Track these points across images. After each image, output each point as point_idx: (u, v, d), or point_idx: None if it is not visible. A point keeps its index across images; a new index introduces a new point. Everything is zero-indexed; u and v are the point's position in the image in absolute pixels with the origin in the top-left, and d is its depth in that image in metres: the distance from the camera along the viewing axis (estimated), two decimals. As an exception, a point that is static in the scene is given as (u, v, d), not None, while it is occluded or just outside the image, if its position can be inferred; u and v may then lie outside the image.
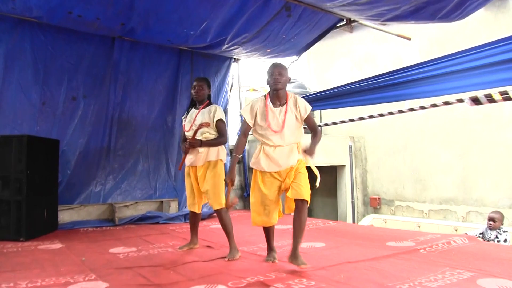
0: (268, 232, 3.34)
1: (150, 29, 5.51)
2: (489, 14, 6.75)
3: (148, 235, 4.72)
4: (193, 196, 3.78)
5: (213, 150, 3.66)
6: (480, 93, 4.36)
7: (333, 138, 8.25)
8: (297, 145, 3.22)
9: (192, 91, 3.82)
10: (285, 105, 3.15)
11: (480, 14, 6.31)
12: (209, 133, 3.67)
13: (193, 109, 3.87)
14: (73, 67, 5.62)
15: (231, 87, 7.21)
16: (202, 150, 3.64)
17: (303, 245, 3.91)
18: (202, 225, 5.52)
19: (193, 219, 3.93)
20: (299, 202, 3.04)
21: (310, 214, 7.74)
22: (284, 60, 7.37)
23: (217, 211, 3.62)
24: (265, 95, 3.25)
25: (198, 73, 6.68)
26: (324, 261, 3.23)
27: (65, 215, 5.46)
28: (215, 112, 3.70)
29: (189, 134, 3.72)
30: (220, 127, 3.69)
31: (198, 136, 3.66)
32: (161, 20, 5.29)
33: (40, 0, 4.61)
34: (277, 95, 3.17)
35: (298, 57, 7.14)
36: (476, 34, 6.67)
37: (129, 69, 6.05)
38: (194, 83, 3.82)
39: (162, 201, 6.24)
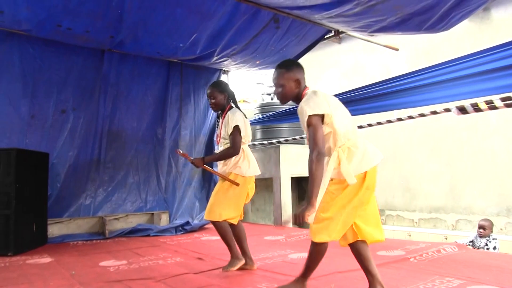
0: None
1: (139, 42, 5.53)
2: (473, 25, 6.88)
3: (138, 247, 4.69)
4: None
5: (231, 162, 3.31)
6: (466, 103, 4.43)
7: (323, 148, 8.26)
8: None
9: (209, 102, 3.53)
10: None
11: (465, 25, 6.42)
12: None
13: (220, 118, 3.52)
14: (62, 79, 5.60)
15: (221, 98, 7.22)
16: (220, 166, 3.40)
17: (294, 255, 3.93)
18: (193, 237, 5.51)
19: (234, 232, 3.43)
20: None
21: (301, 225, 7.73)
22: (273, 72, 7.41)
23: (210, 221, 3.37)
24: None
25: (187, 85, 6.70)
26: (314, 271, 3.23)
27: (55, 229, 5.41)
28: (228, 122, 3.32)
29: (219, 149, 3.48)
30: (232, 136, 3.28)
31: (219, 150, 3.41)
32: (150, 33, 5.32)
33: (29, 13, 4.61)
34: None
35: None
36: (461, 45, 6.79)
37: (119, 82, 6.05)
38: (207, 91, 3.50)
39: (152, 214, 6.22)
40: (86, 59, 5.78)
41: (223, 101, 3.47)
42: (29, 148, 5.06)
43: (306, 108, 2.34)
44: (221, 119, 3.47)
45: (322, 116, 2.34)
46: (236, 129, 3.27)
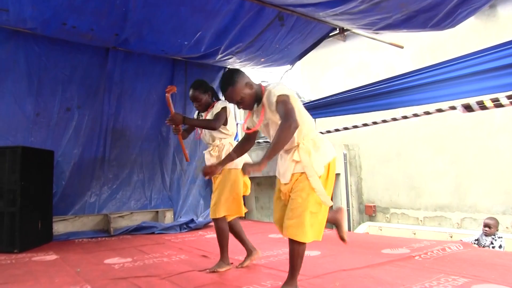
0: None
1: (144, 40, 5.53)
2: (479, 23, 6.84)
3: (143, 245, 4.70)
4: None
5: (222, 157, 3.25)
6: (472, 100, 4.41)
7: (327, 146, 8.25)
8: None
9: (194, 105, 3.51)
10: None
11: (470, 23, 6.38)
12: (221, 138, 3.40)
13: (202, 114, 3.55)
14: (67, 78, 5.63)
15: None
16: (213, 160, 3.35)
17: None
18: (198, 234, 5.52)
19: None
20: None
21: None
22: (277, 70, 7.43)
23: (213, 220, 3.38)
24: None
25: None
26: (319, 269, 3.23)
27: (60, 226, 5.44)
28: (217, 107, 3.34)
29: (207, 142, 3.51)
30: (216, 114, 3.29)
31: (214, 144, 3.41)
32: (154, 31, 5.32)
33: (34, 11, 4.62)
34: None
35: (292, 66, 7.17)
36: (466, 42, 6.75)
37: (123, 80, 6.06)
38: (190, 94, 3.44)
39: (157, 211, 6.23)
40: (91, 57, 5.80)
41: (209, 99, 3.46)
42: (34, 146, 5.08)
43: (274, 90, 2.39)
44: (204, 114, 3.47)
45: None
46: (224, 109, 3.31)
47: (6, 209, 4.36)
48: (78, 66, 5.71)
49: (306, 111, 2.57)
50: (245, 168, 2.29)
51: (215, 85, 6.95)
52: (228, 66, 6.98)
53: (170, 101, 3.39)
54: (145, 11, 4.86)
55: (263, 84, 2.61)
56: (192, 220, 5.98)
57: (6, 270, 3.53)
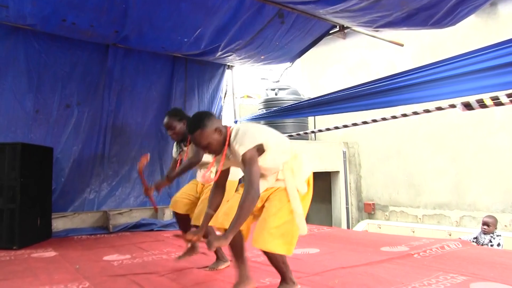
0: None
1: (144, 37, 5.52)
2: (479, 21, 6.83)
3: (142, 242, 4.71)
4: (187, 198, 3.46)
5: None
6: (472, 99, 4.40)
7: (327, 144, 8.28)
8: None
9: (168, 133, 3.39)
10: None
11: (471, 21, 6.38)
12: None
13: (183, 146, 3.45)
14: (67, 74, 5.62)
15: (225, 94, 7.23)
16: (213, 175, 3.35)
17: (297, 251, 3.92)
18: (197, 232, 5.51)
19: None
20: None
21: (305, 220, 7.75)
22: (277, 67, 7.43)
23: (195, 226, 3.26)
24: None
25: (192, 80, 6.69)
26: (319, 266, 3.24)
27: (59, 223, 5.44)
28: None
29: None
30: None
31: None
32: (154, 28, 5.31)
33: (34, 8, 4.62)
34: None
35: (292, 64, 7.18)
36: (467, 40, 6.74)
37: (123, 76, 6.05)
38: (164, 121, 3.33)
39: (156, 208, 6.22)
40: (91, 54, 5.79)
41: (183, 128, 3.31)
42: (34, 143, 5.07)
43: (238, 148, 2.25)
44: (186, 147, 3.37)
45: (259, 146, 2.29)
46: None
47: (5, 205, 4.36)
48: (78, 63, 5.70)
49: (279, 136, 2.47)
50: (211, 243, 2.15)
51: (214, 83, 6.96)
52: (228, 63, 6.98)
53: (143, 175, 3.39)
54: (145, 8, 4.86)
55: (231, 125, 2.47)
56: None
57: (6, 266, 3.54)
